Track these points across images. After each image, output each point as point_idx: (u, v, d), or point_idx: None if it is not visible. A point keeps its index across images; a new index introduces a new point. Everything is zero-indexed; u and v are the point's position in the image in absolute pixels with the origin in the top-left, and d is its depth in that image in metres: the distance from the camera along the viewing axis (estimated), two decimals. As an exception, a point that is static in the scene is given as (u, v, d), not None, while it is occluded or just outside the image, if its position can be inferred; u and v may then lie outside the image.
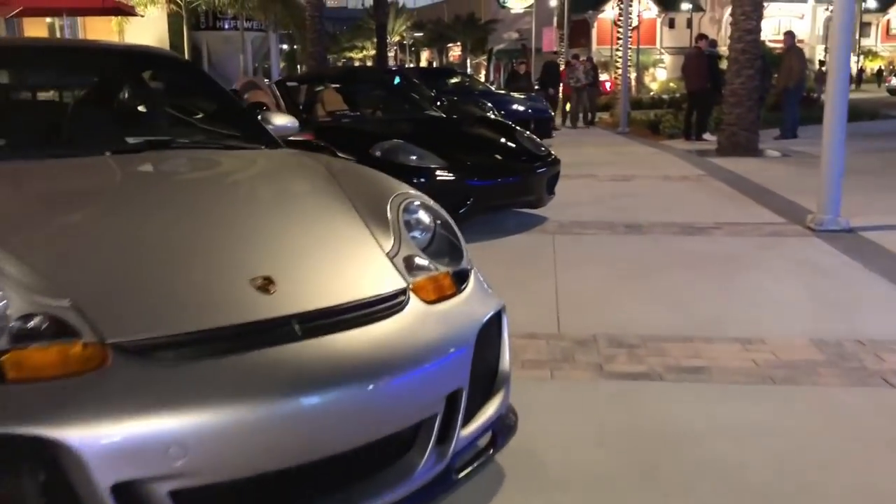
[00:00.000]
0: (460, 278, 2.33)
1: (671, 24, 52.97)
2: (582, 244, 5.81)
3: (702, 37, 14.52)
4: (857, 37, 50.10)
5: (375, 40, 52.50)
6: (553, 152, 6.80)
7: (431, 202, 2.61)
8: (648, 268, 5.06)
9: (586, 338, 3.67)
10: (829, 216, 6.04)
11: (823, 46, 46.07)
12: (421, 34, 50.68)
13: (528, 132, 7.08)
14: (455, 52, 54.29)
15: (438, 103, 8.04)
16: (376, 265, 2.17)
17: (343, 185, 2.58)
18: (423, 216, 2.50)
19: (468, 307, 2.25)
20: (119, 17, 17.07)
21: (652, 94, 39.59)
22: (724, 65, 13.11)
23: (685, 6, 47.75)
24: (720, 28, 54.89)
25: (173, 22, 20.31)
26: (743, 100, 11.55)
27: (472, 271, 2.43)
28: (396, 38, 50.07)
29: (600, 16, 48.71)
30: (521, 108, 13.50)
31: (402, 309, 2.07)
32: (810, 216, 6.24)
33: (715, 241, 5.87)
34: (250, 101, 6.97)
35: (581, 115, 18.68)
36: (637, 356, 3.44)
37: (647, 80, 45.85)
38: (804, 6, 52.56)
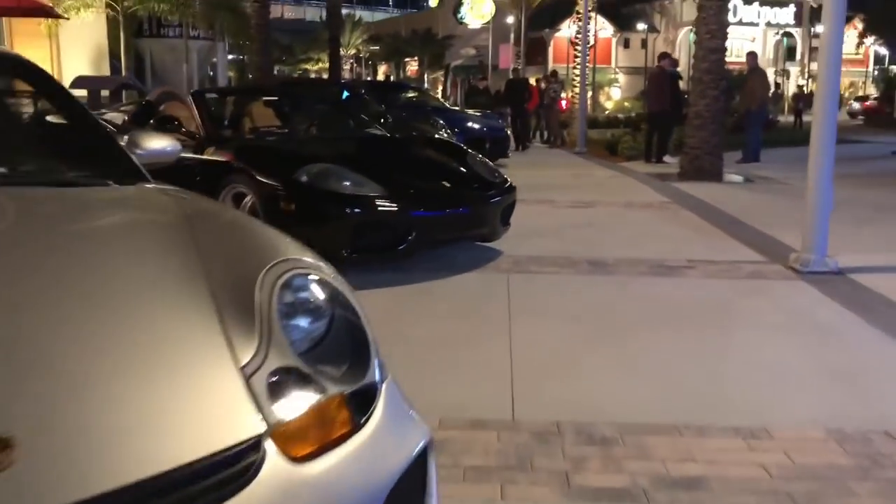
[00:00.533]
0: (363, 402, 1.49)
1: (626, 44, 53.00)
2: (540, 287, 5.00)
3: (664, 55, 13.94)
4: (807, 61, 50.74)
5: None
6: (508, 178, 6.01)
7: (331, 273, 1.75)
8: (619, 322, 4.26)
9: (548, 428, 2.84)
10: (816, 256, 5.33)
11: (773, 69, 46.51)
12: (377, 48, 49.82)
13: (481, 156, 6.28)
14: (412, 66, 53.58)
15: (383, 120, 7.21)
16: (218, 393, 1.32)
17: (201, 247, 1.72)
18: (315, 295, 1.66)
19: (371, 456, 1.41)
20: (49, 21, 15.93)
21: (607, 112, 39.44)
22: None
23: (641, 26, 47.77)
24: (674, 49, 55.24)
25: (114, 28, 19.16)
26: (707, 122, 10.94)
27: (385, 386, 1.59)
28: (352, 52, 49.21)
29: (557, 34, 48.48)
30: (476, 127, 12.74)
31: (249, 480, 1.22)
32: (794, 255, 5.52)
33: (691, 285, 5.11)
34: (163, 114, 6.07)
35: (538, 134, 18.09)
36: (614, 459, 2.62)
37: (602, 98, 45.71)
38: (755, 30, 53.06)
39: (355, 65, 50.97)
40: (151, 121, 5.88)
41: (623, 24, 51.85)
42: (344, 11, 58.98)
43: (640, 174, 11.72)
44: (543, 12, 46.30)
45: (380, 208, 4.92)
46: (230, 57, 33.15)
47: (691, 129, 11.14)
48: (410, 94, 14.72)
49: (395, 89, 15.40)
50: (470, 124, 12.73)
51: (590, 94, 31.39)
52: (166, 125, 5.59)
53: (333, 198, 4.86)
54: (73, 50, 18.04)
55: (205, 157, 5.42)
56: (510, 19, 39.39)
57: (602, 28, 48.22)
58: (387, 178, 5.15)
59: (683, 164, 11.25)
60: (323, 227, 4.83)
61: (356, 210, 4.86)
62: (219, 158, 5.33)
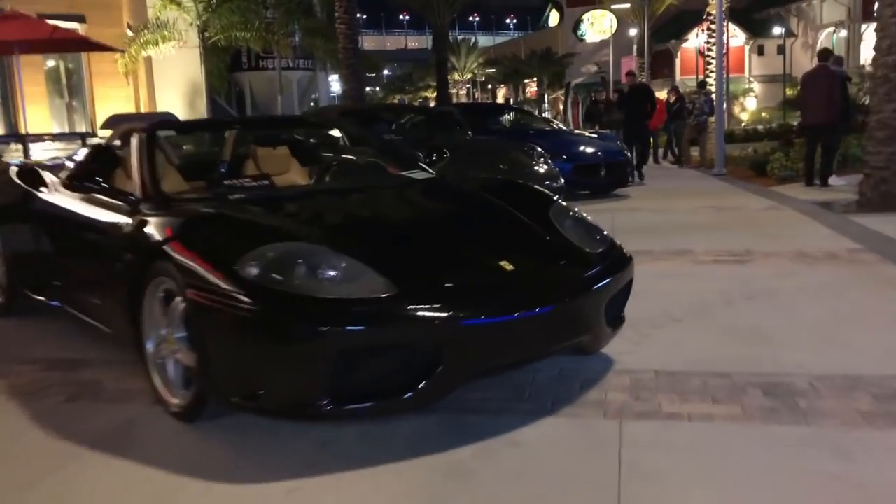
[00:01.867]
0: None
1: (760, 51, 48.70)
2: (682, 458, 2.62)
3: (826, 53, 11.04)
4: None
5: (451, 77, 50.22)
6: (619, 243, 3.64)
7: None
8: None
9: None
10: None
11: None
12: (493, 70, 47.88)
13: (577, 210, 3.91)
14: (532, 87, 51.33)
15: (435, 156, 4.98)
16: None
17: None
18: None
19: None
20: (125, 57, 14.82)
21: (743, 124, 35.67)
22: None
23: (777, 31, 43.56)
24: (813, 54, 50.32)
25: (215, 63, 18.06)
26: (896, 134, 8.09)
27: None
28: (468, 76, 47.58)
29: (684, 45, 45.01)
30: (589, 151, 10.36)
31: None
32: None
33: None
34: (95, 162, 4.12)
35: (670, 152, 15.43)
36: None
37: (736, 110, 41.79)
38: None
39: (472, 89, 49.24)
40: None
41: (756, 30, 47.65)
42: (461, 37, 57.89)
43: (802, 203, 8.94)
44: (669, 23, 43.06)
45: (383, 319, 2.70)
46: (336, 88, 32.00)
47: (874, 142, 8.31)
48: (510, 116, 12.51)
49: (493, 112, 13.22)
50: (581, 148, 10.37)
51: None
52: (85, 180, 3.63)
53: (296, 304, 2.68)
54: (166, 87, 16.97)
55: (128, 230, 3.39)
56: (633, 32, 36.51)
57: (734, 35, 44.35)
58: (402, 260, 2.94)
59: (864, 190, 8.41)
60: (280, 361, 2.67)
61: (339, 325, 2.66)
62: (147, 234, 3.27)
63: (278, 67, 18.15)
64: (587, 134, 11.45)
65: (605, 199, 10.22)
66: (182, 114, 16.36)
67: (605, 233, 3.68)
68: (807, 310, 4.43)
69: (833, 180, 10.42)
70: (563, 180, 7.77)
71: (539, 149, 8.04)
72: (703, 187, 11.61)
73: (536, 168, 7.97)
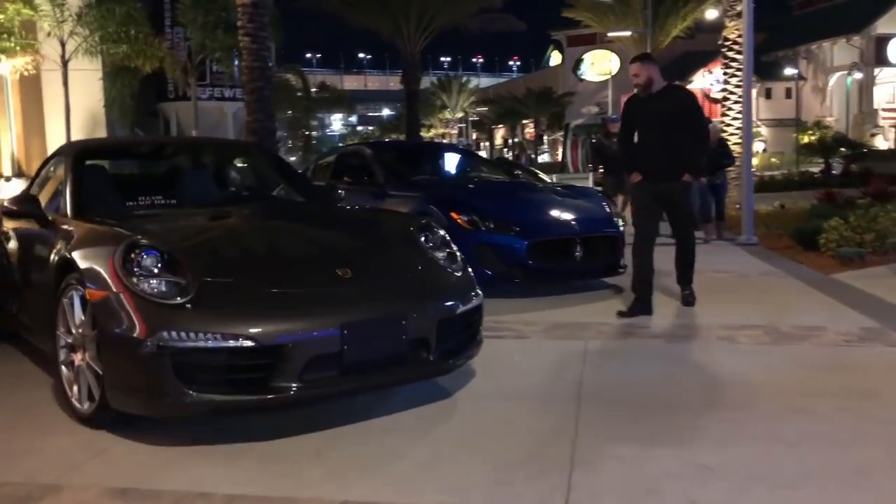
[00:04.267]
0: None
1: (768, 95, 44.96)
2: None
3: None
4: None
5: (441, 115, 46.60)
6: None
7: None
8: None
9: None
10: None
11: None
12: (485, 109, 44.20)
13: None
14: (530, 128, 47.62)
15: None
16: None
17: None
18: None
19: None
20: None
21: (753, 170, 31.75)
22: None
23: (789, 72, 39.81)
24: (824, 98, 46.60)
25: (118, 89, 14.27)
26: None
27: None
28: (460, 114, 43.96)
29: (688, 86, 41.34)
30: (558, 217, 6.32)
31: None
32: None
33: None
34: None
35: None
36: None
37: (744, 155, 37.83)
38: (924, 71, 43.67)
39: (468, 129, 45.52)
40: None
41: (764, 73, 43.91)
42: (462, 76, 54.74)
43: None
44: (673, 64, 39.39)
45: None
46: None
47: None
48: (453, 160, 8.47)
49: (427, 153, 9.03)
50: (545, 213, 6.32)
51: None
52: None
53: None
54: (55, 116, 13.10)
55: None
56: (635, 70, 32.71)
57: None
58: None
59: None
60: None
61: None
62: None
63: (193, 97, 14.34)
64: (556, 189, 7.36)
65: (576, 296, 6.21)
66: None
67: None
68: None
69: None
70: (478, 292, 3.70)
71: (437, 229, 4.00)
72: (737, 270, 7.51)
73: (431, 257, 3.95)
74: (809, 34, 43.88)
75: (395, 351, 3.20)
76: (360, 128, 75.82)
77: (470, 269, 3.87)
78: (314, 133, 34.09)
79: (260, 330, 2.88)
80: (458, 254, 3.93)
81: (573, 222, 6.27)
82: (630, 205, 7.02)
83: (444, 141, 43.69)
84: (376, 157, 7.26)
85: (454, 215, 6.08)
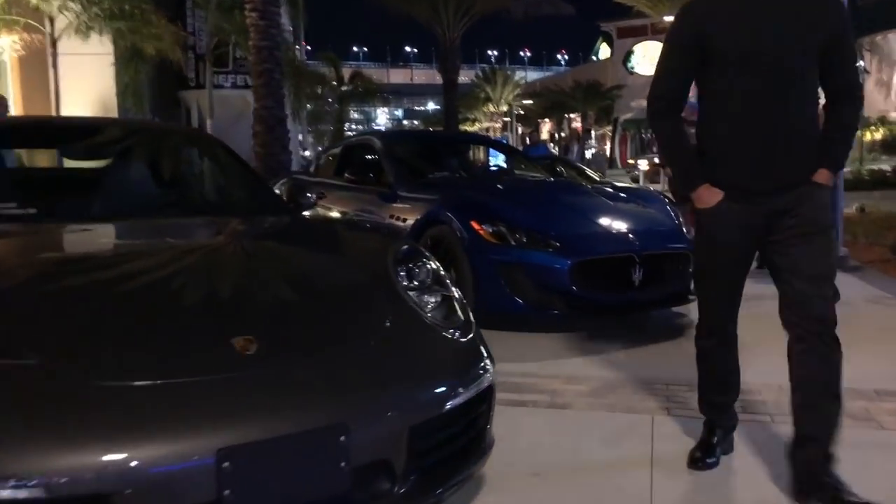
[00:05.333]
0: None
1: (829, 89, 42.20)
2: None
3: None
4: None
5: (486, 108, 44.91)
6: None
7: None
8: None
9: None
10: None
11: None
12: (530, 102, 42.28)
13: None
14: (577, 122, 45.66)
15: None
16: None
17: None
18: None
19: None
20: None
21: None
22: None
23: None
24: (889, 93, 43.66)
25: (132, 75, 13.12)
26: None
27: None
28: (504, 108, 42.22)
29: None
30: (612, 228, 4.79)
31: None
32: None
33: None
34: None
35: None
36: None
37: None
38: None
39: (513, 122, 43.76)
40: None
41: (824, 65, 41.26)
42: (509, 70, 52.87)
43: None
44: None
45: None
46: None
47: None
48: (480, 154, 7.01)
49: (448, 145, 7.47)
50: (595, 222, 4.79)
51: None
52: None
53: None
54: (71, 103, 12.00)
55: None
56: (689, 61, 30.72)
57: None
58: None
59: None
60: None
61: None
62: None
63: (208, 83, 13.02)
64: (609, 192, 5.76)
65: (635, 335, 4.73)
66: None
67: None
68: None
69: None
70: (487, 365, 2.21)
71: (426, 260, 2.55)
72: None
73: (411, 307, 2.46)
74: (874, 24, 41.07)
75: (325, 491, 1.77)
76: (405, 121, 74.76)
77: (475, 330, 2.32)
78: (356, 126, 32.84)
79: (54, 465, 1.50)
80: (457, 299, 2.44)
81: (631, 236, 4.74)
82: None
83: (490, 135, 42.10)
84: (387, 149, 5.83)
85: (476, 225, 4.62)
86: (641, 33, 43.32)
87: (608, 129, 44.78)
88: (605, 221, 4.87)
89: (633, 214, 5.06)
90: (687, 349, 2.93)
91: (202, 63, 14.74)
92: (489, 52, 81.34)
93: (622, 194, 5.53)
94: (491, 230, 4.59)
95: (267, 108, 8.92)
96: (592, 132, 44.89)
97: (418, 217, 5.00)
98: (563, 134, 43.67)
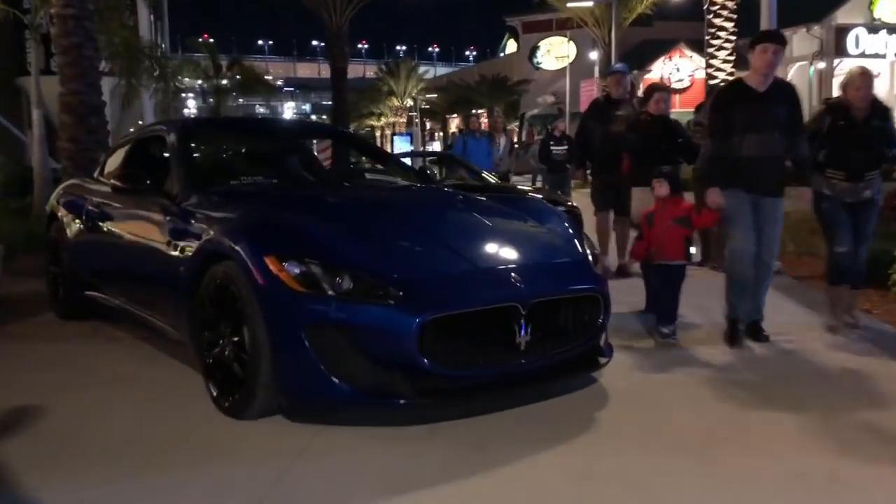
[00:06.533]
0: None
1: (726, 86, 42.49)
2: None
3: None
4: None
5: (390, 102, 42.97)
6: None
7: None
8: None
9: None
10: None
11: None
12: (435, 96, 40.55)
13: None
14: (485, 119, 44.31)
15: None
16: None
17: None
18: None
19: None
20: None
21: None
22: None
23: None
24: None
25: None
26: None
27: None
28: (409, 102, 40.43)
29: (647, 76, 38.54)
30: (503, 263, 3.17)
31: None
32: None
33: None
34: None
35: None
36: None
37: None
38: (882, 62, 41.57)
39: (419, 118, 42.01)
40: None
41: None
42: (415, 64, 51.10)
43: None
44: (631, 52, 36.56)
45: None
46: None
47: None
48: (306, 146, 5.12)
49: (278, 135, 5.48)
50: (456, 253, 3.15)
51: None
52: None
53: None
54: None
55: None
56: (593, 55, 29.88)
57: (698, 67, 38.21)
58: None
59: None
60: None
61: None
62: None
63: (34, 69, 10.68)
64: (490, 204, 3.95)
65: (526, 424, 3.15)
66: None
67: None
68: None
69: None
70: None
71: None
72: (790, 338, 4.45)
73: None
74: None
75: None
76: (313, 116, 71.97)
77: None
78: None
79: None
80: None
81: (514, 275, 3.12)
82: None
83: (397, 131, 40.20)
84: (181, 143, 4.00)
85: (273, 263, 2.90)
86: (547, 28, 42.46)
87: (515, 126, 43.71)
88: (476, 252, 3.23)
89: (518, 239, 3.44)
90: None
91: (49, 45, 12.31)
92: (398, 48, 79.44)
93: (503, 207, 3.88)
94: (297, 271, 2.87)
95: (76, 93, 6.92)
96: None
97: (192, 249, 3.24)
98: (459, 129, 42.27)
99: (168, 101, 12.02)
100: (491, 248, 3.28)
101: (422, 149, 35.37)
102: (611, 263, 6.50)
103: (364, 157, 5.51)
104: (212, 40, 22.91)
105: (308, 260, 2.89)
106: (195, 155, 3.99)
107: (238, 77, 22.77)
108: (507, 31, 48.74)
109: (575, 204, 8.23)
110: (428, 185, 4.46)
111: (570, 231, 3.66)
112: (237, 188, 3.83)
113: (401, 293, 2.84)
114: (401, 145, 29.74)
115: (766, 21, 7.75)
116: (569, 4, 23.35)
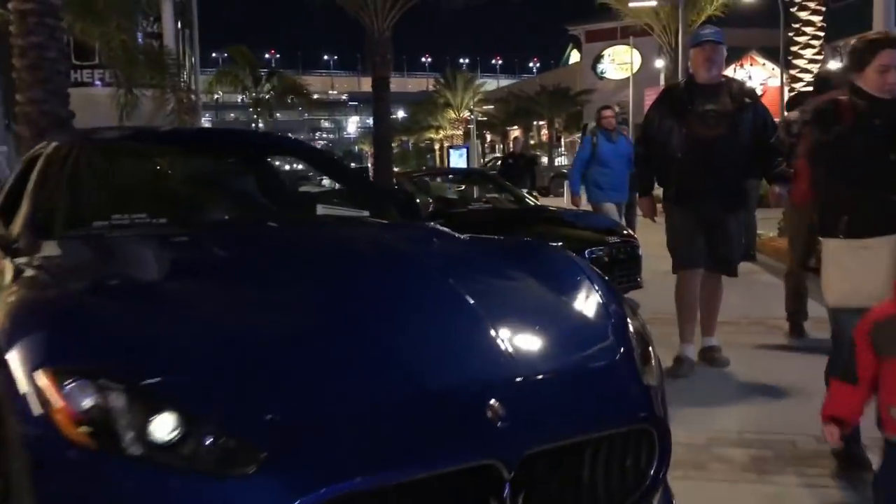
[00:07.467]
0: None
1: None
2: None
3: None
4: None
5: (447, 115, 41.81)
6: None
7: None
8: None
9: None
10: None
11: None
12: (492, 107, 39.00)
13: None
14: (545, 130, 42.70)
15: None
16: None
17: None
18: None
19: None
20: None
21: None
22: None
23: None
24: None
25: None
26: None
27: None
28: (465, 113, 39.06)
29: (718, 83, 36.34)
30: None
31: None
32: None
33: None
34: None
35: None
36: None
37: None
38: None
39: (476, 129, 40.65)
40: None
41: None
42: (472, 75, 49.97)
43: None
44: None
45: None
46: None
47: None
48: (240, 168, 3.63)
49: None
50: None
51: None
52: None
53: None
54: None
55: None
56: (659, 63, 28.11)
57: (772, 76, 35.85)
58: None
59: None
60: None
61: None
62: None
63: None
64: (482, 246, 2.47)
65: None
66: None
67: None
68: None
69: None
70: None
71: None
72: None
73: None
74: (845, 29, 38.80)
75: None
76: (375, 130, 71.72)
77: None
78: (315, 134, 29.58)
79: None
80: None
81: (495, 402, 1.73)
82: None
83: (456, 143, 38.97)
84: (47, 167, 2.77)
85: (48, 382, 1.58)
86: (610, 37, 40.60)
87: (577, 137, 41.95)
88: (427, 360, 1.84)
89: (510, 325, 2.02)
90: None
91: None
92: (461, 61, 78.63)
93: (494, 262, 2.44)
94: (86, 404, 1.56)
95: (35, 101, 5.79)
96: (562, 139, 42.02)
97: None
98: (532, 142, 40.71)
99: (181, 113, 11.04)
100: (458, 347, 1.89)
101: (482, 163, 33.84)
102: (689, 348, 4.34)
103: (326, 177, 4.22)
104: (245, 48, 21.68)
105: (105, 383, 1.57)
106: (65, 183, 2.73)
107: (272, 90, 21.73)
108: (570, 41, 47.08)
109: (633, 233, 6.67)
110: (393, 225, 3.01)
111: (605, 305, 2.23)
112: (93, 236, 2.51)
113: (266, 453, 1.50)
114: (456, 159, 28.46)
115: (881, 20, 6.00)
116: (631, 4, 21.65)
